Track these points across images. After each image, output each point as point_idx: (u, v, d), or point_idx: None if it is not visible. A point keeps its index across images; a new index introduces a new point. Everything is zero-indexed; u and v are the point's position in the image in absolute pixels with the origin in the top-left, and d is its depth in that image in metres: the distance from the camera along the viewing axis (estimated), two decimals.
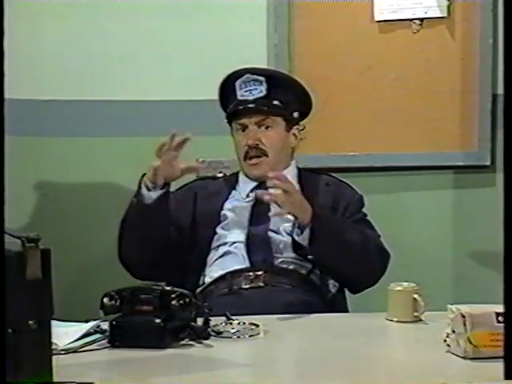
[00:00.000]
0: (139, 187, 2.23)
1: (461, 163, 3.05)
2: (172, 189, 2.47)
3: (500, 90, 2.95)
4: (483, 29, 2.99)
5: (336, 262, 2.18)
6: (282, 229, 2.29)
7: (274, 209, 2.15)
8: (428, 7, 3.00)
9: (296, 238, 2.17)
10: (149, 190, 2.21)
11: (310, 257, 2.20)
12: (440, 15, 3.00)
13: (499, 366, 1.13)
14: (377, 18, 3.01)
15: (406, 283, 1.93)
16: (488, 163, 3.02)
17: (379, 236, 2.31)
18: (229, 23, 3.01)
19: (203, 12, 3.00)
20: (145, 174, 2.24)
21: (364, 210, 2.40)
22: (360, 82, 3.04)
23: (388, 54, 3.04)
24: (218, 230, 2.33)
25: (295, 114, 2.42)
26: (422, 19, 3.01)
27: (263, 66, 2.81)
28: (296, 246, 2.21)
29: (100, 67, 3.02)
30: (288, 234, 2.28)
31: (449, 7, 3.00)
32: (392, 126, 3.05)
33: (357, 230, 2.26)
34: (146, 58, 3.03)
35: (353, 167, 3.02)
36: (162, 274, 2.27)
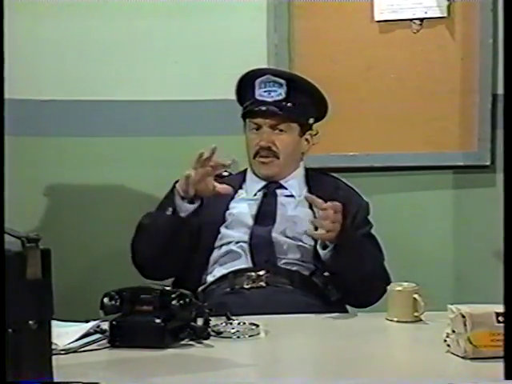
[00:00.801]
0: (172, 196, 2.21)
1: (461, 163, 3.05)
2: None
3: (500, 90, 2.95)
4: (483, 29, 2.99)
5: (349, 281, 2.18)
6: (287, 230, 2.30)
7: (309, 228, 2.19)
8: (428, 7, 3.00)
9: (318, 249, 2.19)
10: (183, 199, 2.19)
11: (325, 273, 2.21)
12: (440, 15, 3.00)
13: (499, 366, 1.13)
14: (377, 18, 3.01)
15: (406, 283, 1.93)
16: (488, 163, 3.02)
17: (384, 259, 2.33)
18: (229, 23, 3.00)
19: (203, 12, 3.00)
20: (177, 182, 2.22)
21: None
22: (360, 81, 3.04)
23: (388, 54, 3.03)
24: (222, 229, 2.33)
25: (310, 120, 2.41)
26: (421, 19, 3.00)
27: (263, 66, 2.81)
28: (316, 256, 2.22)
29: (100, 67, 3.01)
30: (290, 238, 2.29)
31: (449, 7, 2.99)
32: (392, 126, 3.04)
33: (371, 251, 2.28)
34: (145, 57, 3.03)
35: (353, 167, 3.02)
36: (172, 274, 2.29)
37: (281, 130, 2.36)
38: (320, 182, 2.42)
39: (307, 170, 2.47)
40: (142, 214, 2.99)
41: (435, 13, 3.00)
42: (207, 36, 3.01)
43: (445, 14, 3.00)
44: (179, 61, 3.03)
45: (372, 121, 3.04)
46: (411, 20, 3.01)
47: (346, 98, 3.03)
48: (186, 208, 2.19)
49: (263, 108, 2.33)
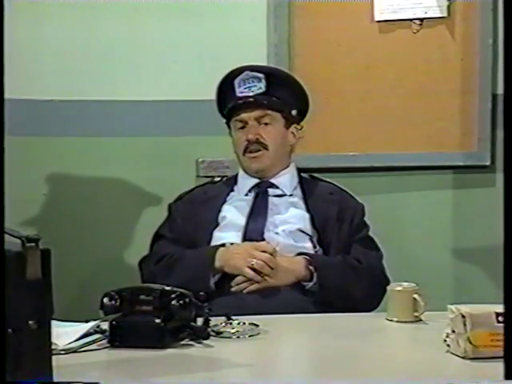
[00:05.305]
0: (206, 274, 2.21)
1: (461, 163, 3.05)
2: (170, 200, 2.48)
3: (500, 90, 2.95)
4: (483, 29, 2.99)
5: (340, 299, 2.19)
6: (279, 230, 2.30)
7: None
8: (428, 7, 3.00)
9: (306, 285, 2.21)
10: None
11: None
12: (440, 15, 3.01)
13: (499, 366, 1.13)
14: (377, 18, 3.01)
15: (405, 283, 1.93)
16: (488, 163, 3.02)
17: (382, 256, 2.33)
18: (229, 23, 3.01)
19: (203, 12, 3.00)
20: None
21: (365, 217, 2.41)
22: (360, 82, 3.04)
23: (388, 53, 3.04)
24: (216, 233, 2.32)
25: (293, 112, 2.43)
26: (421, 19, 3.01)
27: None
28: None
29: (100, 67, 3.02)
30: (283, 237, 2.28)
31: (449, 7, 3.00)
32: (392, 126, 3.05)
33: (357, 261, 2.27)
34: (146, 58, 3.03)
35: (353, 167, 3.02)
36: None
37: (266, 124, 2.37)
38: (315, 186, 2.44)
39: (300, 175, 2.47)
40: (142, 213, 3.01)
41: (435, 13, 3.00)
42: (207, 36, 3.01)
43: (445, 14, 3.00)
44: (179, 61, 3.03)
45: (372, 121, 3.04)
46: (411, 20, 3.01)
47: (345, 97, 3.04)
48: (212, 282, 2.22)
49: (246, 101, 2.35)
